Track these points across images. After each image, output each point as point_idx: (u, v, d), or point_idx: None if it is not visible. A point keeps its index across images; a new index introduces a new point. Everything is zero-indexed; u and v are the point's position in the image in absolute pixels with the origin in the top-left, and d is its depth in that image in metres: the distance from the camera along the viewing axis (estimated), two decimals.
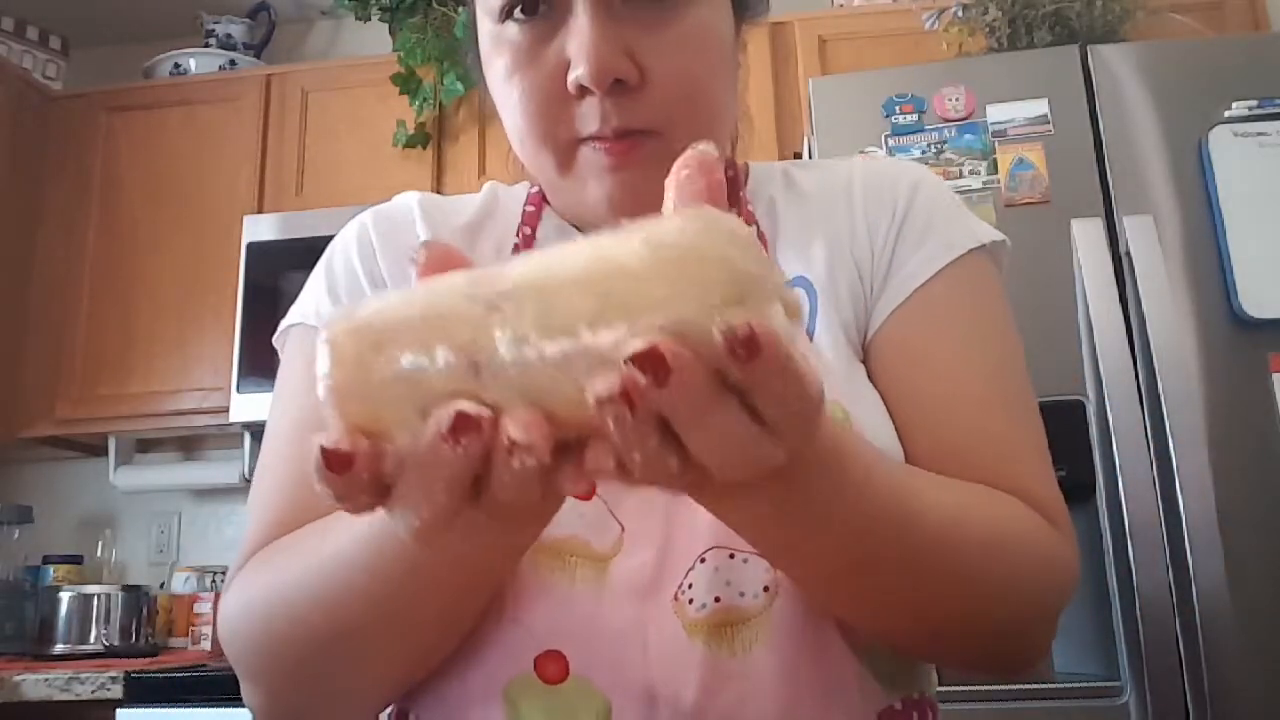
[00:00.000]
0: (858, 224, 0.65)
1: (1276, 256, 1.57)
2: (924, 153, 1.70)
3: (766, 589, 0.54)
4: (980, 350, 0.62)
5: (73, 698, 1.85)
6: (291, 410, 0.63)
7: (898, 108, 1.73)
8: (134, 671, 1.87)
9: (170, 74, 2.67)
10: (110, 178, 2.52)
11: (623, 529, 0.56)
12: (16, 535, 2.42)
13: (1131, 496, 1.48)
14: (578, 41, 0.56)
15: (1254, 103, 1.63)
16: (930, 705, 0.61)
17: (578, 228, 0.68)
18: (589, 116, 0.58)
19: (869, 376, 0.62)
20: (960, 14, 1.94)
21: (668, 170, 0.58)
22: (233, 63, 2.67)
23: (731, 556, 0.54)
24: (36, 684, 1.86)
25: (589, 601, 0.54)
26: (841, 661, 0.55)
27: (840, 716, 0.55)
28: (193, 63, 2.66)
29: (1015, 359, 0.64)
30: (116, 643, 2.21)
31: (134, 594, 2.29)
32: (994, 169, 1.67)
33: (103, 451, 2.60)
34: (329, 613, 0.51)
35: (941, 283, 0.62)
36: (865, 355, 0.63)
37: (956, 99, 1.72)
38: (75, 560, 2.49)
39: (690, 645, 0.53)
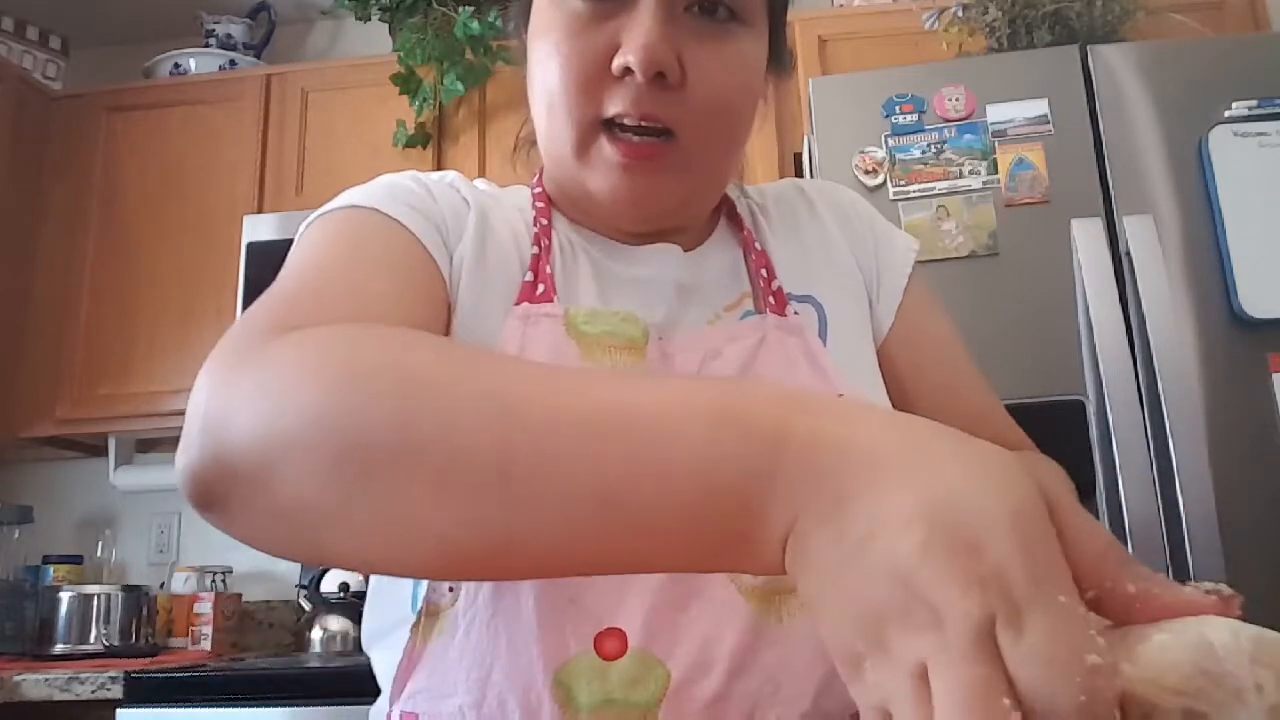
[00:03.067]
0: (841, 242, 0.75)
1: (1276, 256, 1.57)
2: (924, 152, 1.70)
3: None
4: (954, 330, 0.75)
5: (73, 698, 1.85)
6: (355, 247, 0.58)
7: (898, 108, 1.73)
8: (134, 671, 1.86)
9: (170, 74, 2.66)
10: (110, 178, 2.52)
11: None
12: (16, 535, 2.42)
13: (1131, 496, 1.48)
14: (636, 29, 0.59)
15: (1254, 103, 1.63)
16: None
17: (583, 225, 0.70)
18: (621, 98, 0.61)
19: (887, 368, 0.71)
20: (960, 14, 1.94)
21: (676, 178, 0.63)
22: (233, 63, 2.66)
23: None
24: (36, 684, 1.86)
25: (648, 574, 0.55)
26: None
27: None
28: (193, 63, 2.66)
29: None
30: (116, 643, 2.21)
31: (134, 594, 2.29)
32: (994, 169, 1.67)
33: (103, 451, 2.60)
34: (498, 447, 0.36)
35: (915, 279, 0.75)
36: (882, 352, 0.72)
37: (956, 99, 1.72)
38: (75, 560, 2.49)
39: (744, 608, 0.56)
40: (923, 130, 1.71)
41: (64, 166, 2.55)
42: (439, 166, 2.40)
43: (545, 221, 0.69)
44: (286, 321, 0.47)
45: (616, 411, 0.36)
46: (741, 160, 0.75)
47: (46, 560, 2.47)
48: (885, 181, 1.70)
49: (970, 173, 1.68)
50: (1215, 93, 1.64)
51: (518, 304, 0.63)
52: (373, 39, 2.65)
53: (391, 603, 0.61)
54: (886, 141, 1.72)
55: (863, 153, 1.72)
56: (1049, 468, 0.66)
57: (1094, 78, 1.69)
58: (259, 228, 2.33)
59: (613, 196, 0.63)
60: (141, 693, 1.84)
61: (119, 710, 1.82)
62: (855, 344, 0.70)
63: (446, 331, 0.61)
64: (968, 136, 1.70)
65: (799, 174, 2.15)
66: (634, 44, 0.59)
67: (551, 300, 0.63)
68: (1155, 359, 1.51)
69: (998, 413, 0.74)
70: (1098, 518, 1.50)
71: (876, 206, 0.81)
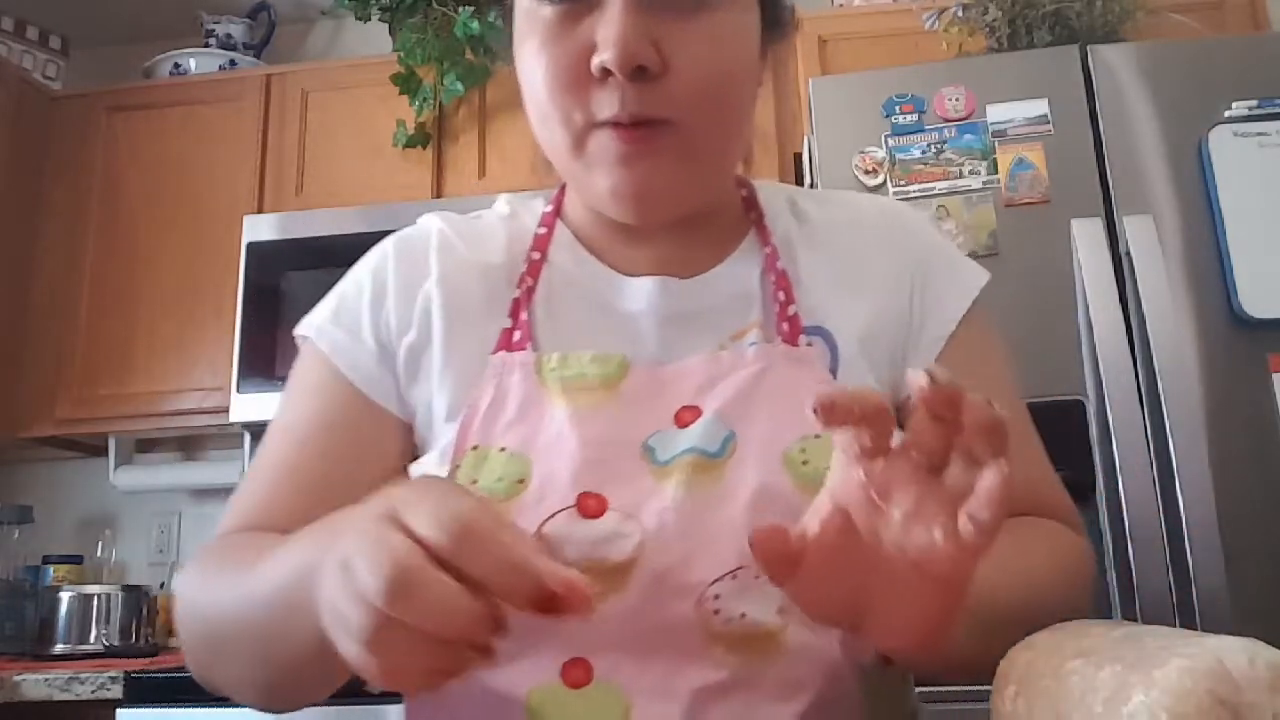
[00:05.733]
0: (886, 272, 0.70)
1: (1276, 256, 1.57)
2: (924, 153, 1.70)
3: (781, 610, 0.57)
4: (1006, 385, 0.69)
5: (73, 698, 1.85)
6: (287, 417, 0.67)
7: (898, 108, 1.73)
8: (134, 671, 1.86)
9: (170, 74, 2.66)
10: (110, 178, 2.52)
11: (642, 537, 0.58)
12: (16, 535, 2.42)
13: (1131, 496, 1.48)
14: (607, 26, 0.57)
15: (1254, 103, 1.63)
16: None
17: (588, 247, 0.70)
18: (607, 100, 0.59)
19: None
20: (960, 14, 1.94)
21: (679, 165, 0.61)
22: (233, 63, 2.66)
23: (757, 577, 0.56)
24: (36, 684, 1.86)
25: (615, 607, 0.57)
26: (845, 681, 0.59)
27: None
28: (193, 63, 2.66)
29: (1018, 386, 0.70)
30: (116, 643, 2.21)
31: (134, 594, 2.29)
32: (994, 169, 1.67)
33: (103, 451, 2.60)
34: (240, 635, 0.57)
35: (965, 327, 0.69)
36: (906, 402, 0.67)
37: (956, 99, 1.72)
38: (75, 560, 2.49)
39: (709, 651, 0.57)
40: (923, 130, 1.71)
41: (64, 166, 2.55)
42: (439, 166, 2.40)
43: (538, 255, 0.69)
44: (231, 524, 0.65)
45: (284, 554, 0.51)
46: (749, 141, 0.71)
47: (46, 560, 2.47)
48: (885, 181, 1.70)
49: (970, 173, 1.68)
50: (1215, 93, 1.64)
51: (494, 352, 0.65)
52: (373, 39, 2.64)
53: None
54: (886, 141, 1.72)
55: (863, 153, 1.72)
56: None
57: (1094, 78, 1.69)
58: (259, 228, 2.33)
59: (616, 192, 0.61)
60: (141, 693, 1.84)
61: (119, 710, 1.83)
62: (867, 381, 0.66)
63: (407, 430, 0.68)
64: (968, 136, 1.70)
65: (799, 174, 2.15)
66: (607, 41, 0.57)
67: (525, 348, 0.65)
68: (1155, 359, 1.51)
69: (1032, 470, 0.68)
70: (1097, 518, 1.51)
71: None
